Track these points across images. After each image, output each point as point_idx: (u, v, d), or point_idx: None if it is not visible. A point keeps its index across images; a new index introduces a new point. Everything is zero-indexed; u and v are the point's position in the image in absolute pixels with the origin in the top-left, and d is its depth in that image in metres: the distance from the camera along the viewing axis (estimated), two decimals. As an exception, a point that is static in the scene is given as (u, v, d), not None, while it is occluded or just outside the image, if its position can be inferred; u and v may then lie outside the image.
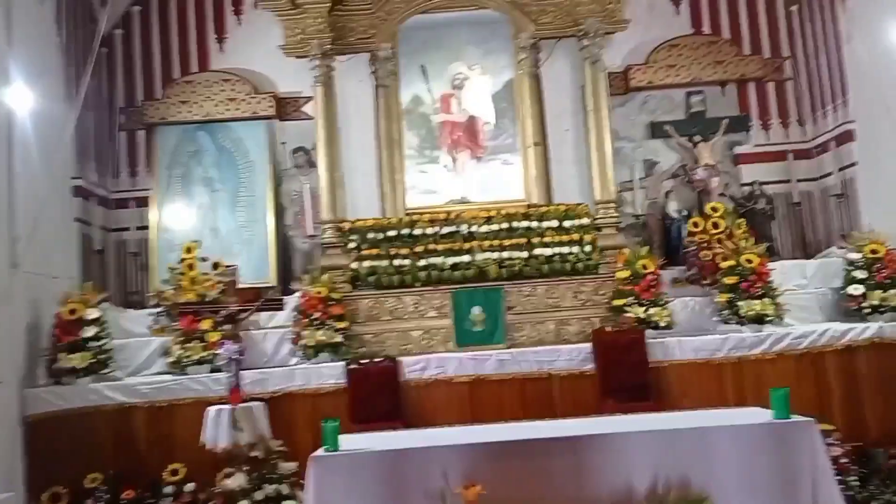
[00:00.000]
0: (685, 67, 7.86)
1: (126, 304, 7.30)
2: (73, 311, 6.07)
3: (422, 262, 6.78)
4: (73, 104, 6.51)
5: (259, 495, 4.99)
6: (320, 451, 3.62)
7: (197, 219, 7.49)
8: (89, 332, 6.05)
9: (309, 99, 7.57)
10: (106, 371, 6.14)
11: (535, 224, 6.88)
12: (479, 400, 6.13)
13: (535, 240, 6.81)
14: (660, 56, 7.85)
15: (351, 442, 3.74)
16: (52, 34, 6.88)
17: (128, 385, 6.07)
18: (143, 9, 7.96)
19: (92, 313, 6.11)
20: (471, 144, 7.49)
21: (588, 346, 6.25)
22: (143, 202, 7.59)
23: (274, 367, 6.36)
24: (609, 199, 7.12)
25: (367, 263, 6.81)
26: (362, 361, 6.27)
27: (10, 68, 5.98)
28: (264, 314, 6.61)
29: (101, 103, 7.68)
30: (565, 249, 6.76)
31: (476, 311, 6.58)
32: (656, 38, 7.89)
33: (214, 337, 6.17)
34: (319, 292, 6.48)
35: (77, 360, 5.96)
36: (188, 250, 6.71)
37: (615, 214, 7.13)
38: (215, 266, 6.69)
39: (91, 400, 5.95)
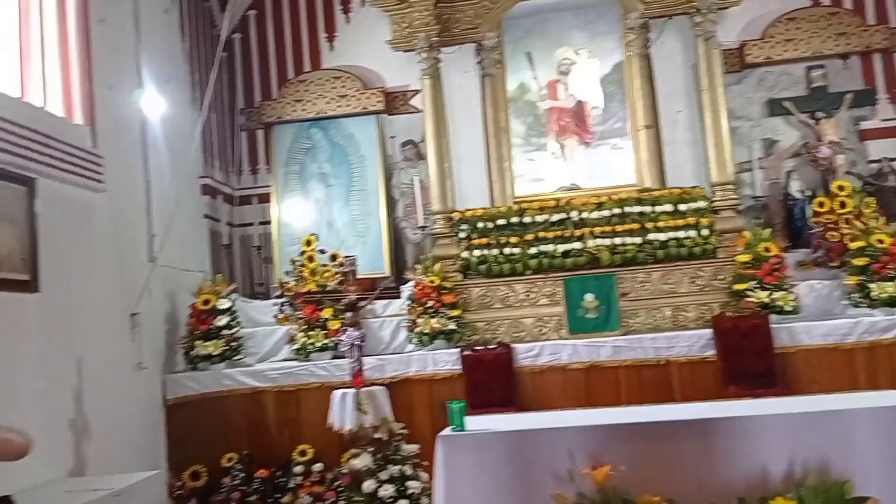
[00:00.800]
0: (804, 41, 7.50)
1: (252, 295, 7.67)
2: (206, 302, 6.45)
3: (532, 250, 6.80)
4: (199, 107, 6.90)
5: (384, 475, 5.17)
6: (447, 431, 3.72)
7: (314, 213, 7.77)
8: (222, 321, 6.42)
9: (416, 92, 7.71)
10: (238, 357, 6.50)
11: (648, 209, 6.77)
12: (594, 386, 6.12)
13: (649, 225, 6.69)
14: (777, 30, 7.53)
15: (476, 423, 3.83)
16: (177, 42, 7.30)
17: (258, 370, 6.41)
18: (259, 12, 8.32)
19: (223, 303, 6.48)
20: (579, 130, 7.43)
21: (708, 332, 6.11)
22: (264, 198, 7.95)
23: (391, 353, 6.56)
24: (727, 180, 6.90)
25: (477, 252, 6.90)
26: (476, 348, 6.37)
27: (144, 76, 6.41)
28: (380, 303, 6.81)
29: (223, 105, 8.09)
30: (681, 234, 6.61)
31: (589, 298, 6.54)
32: (772, 12, 7.57)
33: (335, 325, 6.43)
34: (432, 281, 6.63)
35: (211, 347, 6.34)
36: (307, 243, 7.01)
37: (734, 196, 6.91)
38: (333, 257, 6.96)
39: (225, 385, 6.32)
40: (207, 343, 6.36)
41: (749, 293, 6.21)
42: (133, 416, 5.83)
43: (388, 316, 6.88)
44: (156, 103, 6.42)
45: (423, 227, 7.42)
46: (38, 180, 4.84)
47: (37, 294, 4.75)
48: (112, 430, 5.42)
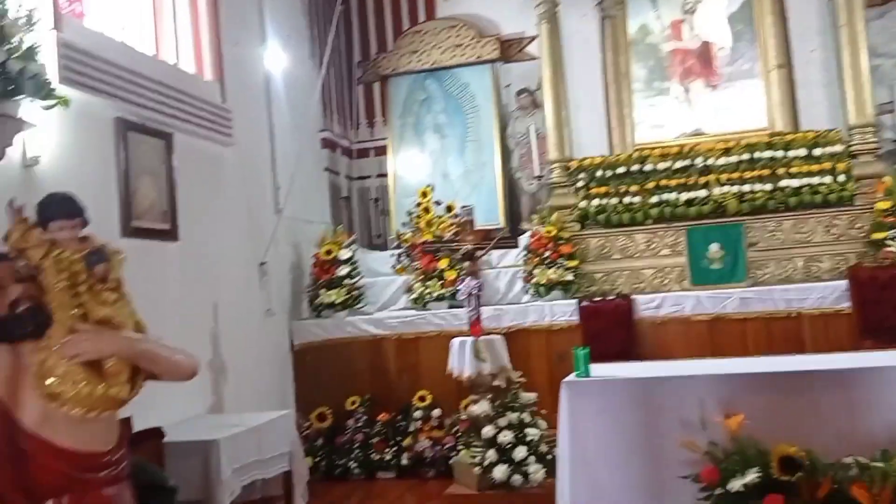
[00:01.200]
0: (961, -35, 6.80)
1: (370, 246, 7.84)
2: (329, 252, 6.66)
3: (653, 199, 6.60)
4: (318, 62, 7.03)
5: (503, 422, 5.22)
6: (571, 377, 3.71)
7: (429, 164, 7.81)
8: (343, 270, 6.62)
9: (532, 39, 7.54)
10: (359, 306, 6.70)
11: (779, 154, 6.40)
12: (719, 339, 5.93)
13: (781, 170, 6.34)
14: (928, -45, 6.85)
15: (600, 370, 3.80)
16: (296, -4, 7.44)
17: (378, 318, 6.59)
18: (374, -36, 8.33)
19: (345, 254, 6.68)
20: (704, 72, 7.07)
21: (843, 283, 5.78)
22: (381, 151, 8.04)
23: (507, 304, 6.58)
24: (866, 122, 6.41)
25: (595, 202, 6.77)
26: (595, 299, 6.29)
27: (267, 32, 6.59)
28: (495, 254, 6.82)
29: (340, 59, 8.20)
30: (815, 180, 6.24)
31: (714, 248, 6.30)
32: (924, -65, 6.89)
33: (452, 275, 6.51)
34: (549, 232, 6.56)
35: (334, 295, 6.56)
36: (423, 195, 7.08)
37: (873, 140, 6.42)
38: (449, 209, 7.02)
39: (348, 332, 6.55)
40: (330, 291, 6.59)
41: (889, 242, 5.80)
42: (263, 360, 6.14)
43: (504, 267, 6.89)
44: (278, 58, 6.60)
45: (538, 177, 7.33)
46: (174, 135, 5.11)
47: (177, 243, 5.05)
48: (245, 372, 5.74)
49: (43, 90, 3.70)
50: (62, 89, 3.90)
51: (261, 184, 6.40)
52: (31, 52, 3.52)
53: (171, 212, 5.04)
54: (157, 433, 3.95)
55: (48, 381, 1.89)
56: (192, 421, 4.85)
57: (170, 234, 4.99)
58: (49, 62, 3.87)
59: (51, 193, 2.09)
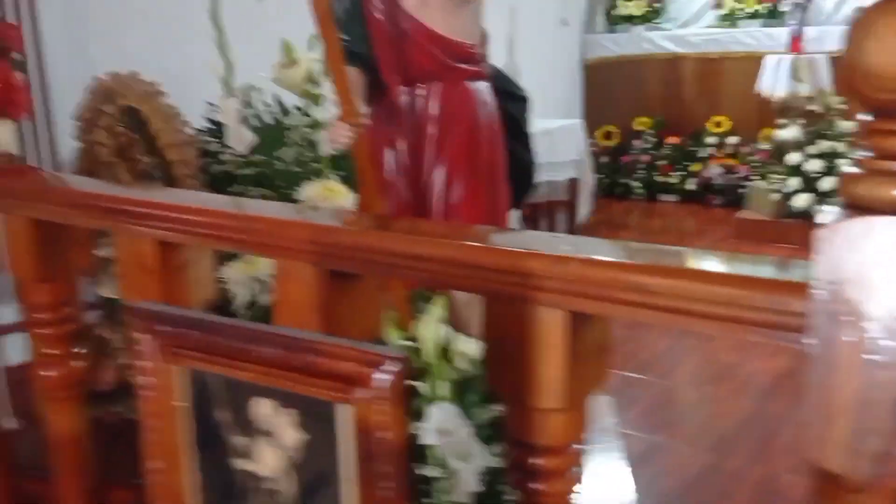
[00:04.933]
0: None
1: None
2: (633, -42, 6.13)
3: None
4: None
5: (813, 150, 4.76)
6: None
7: None
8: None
9: None
10: (659, 21, 6.22)
11: None
12: None
13: None
14: None
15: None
16: None
17: (679, 35, 6.09)
18: None
19: (651, -41, 6.10)
20: None
21: None
22: None
23: (834, 25, 5.70)
24: None
25: None
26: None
27: None
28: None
29: None
30: None
31: None
32: None
33: (772, -12, 5.73)
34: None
35: (633, 7, 6.13)
36: None
37: None
38: None
39: (644, 48, 6.17)
40: (629, 3, 6.15)
41: None
42: (555, 71, 6.05)
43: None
44: None
45: None
46: None
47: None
48: (536, 81, 5.64)
49: None
50: None
51: None
52: None
53: None
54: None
55: None
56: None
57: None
58: None
59: None
